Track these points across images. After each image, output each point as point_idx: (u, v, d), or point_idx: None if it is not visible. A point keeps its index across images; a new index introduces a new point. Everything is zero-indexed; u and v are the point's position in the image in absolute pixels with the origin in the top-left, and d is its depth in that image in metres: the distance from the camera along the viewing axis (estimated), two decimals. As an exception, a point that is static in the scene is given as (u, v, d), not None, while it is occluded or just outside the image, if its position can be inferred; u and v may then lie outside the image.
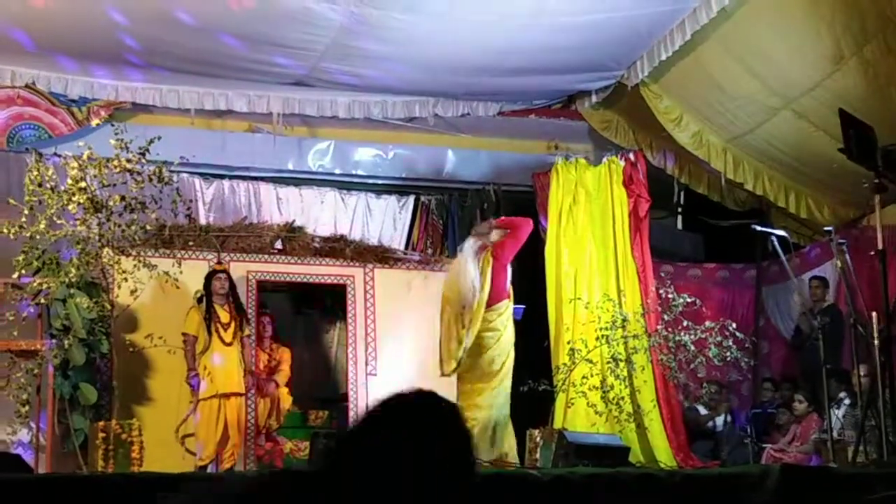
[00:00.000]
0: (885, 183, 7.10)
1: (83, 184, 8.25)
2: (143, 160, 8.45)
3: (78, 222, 8.40)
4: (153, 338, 9.18)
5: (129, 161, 8.36)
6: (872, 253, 7.35)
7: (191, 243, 10.15)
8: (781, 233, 8.90)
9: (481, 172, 12.29)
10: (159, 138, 8.55)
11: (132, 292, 8.57)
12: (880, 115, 8.30)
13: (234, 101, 11.22)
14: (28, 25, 9.63)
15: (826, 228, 8.95)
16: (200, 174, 11.38)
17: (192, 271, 9.60)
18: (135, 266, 8.59)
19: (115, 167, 8.37)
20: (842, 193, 10.94)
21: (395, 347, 10.60)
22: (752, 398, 11.64)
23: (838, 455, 8.38)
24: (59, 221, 8.39)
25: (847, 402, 9.63)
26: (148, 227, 9.19)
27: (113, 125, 8.99)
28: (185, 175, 10.88)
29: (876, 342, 7.07)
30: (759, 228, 9.20)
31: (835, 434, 8.87)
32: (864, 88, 9.20)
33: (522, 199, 11.92)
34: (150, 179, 8.52)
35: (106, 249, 8.61)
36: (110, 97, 10.81)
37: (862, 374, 8.72)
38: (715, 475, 6.36)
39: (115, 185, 8.62)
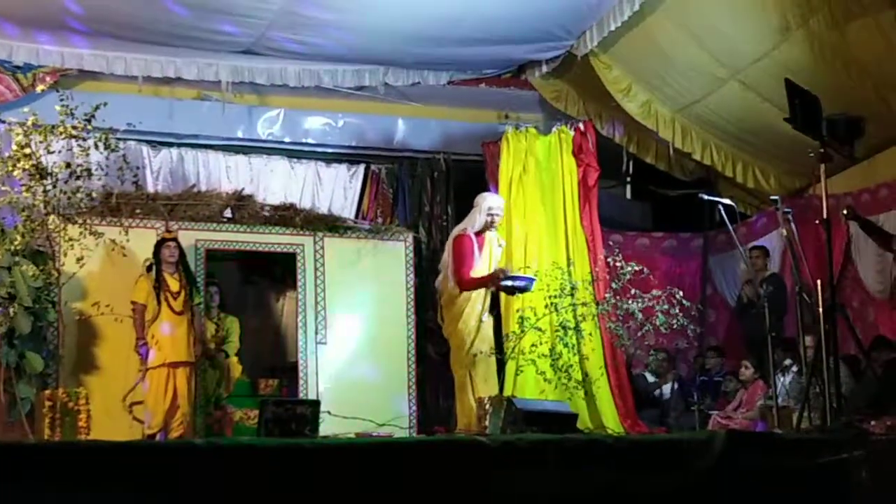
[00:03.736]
0: (829, 152, 7.15)
1: (28, 150, 8.16)
2: (89, 127, 8.36)
3: (23, 189, 8.32)
4: (100, 306, 9.11)
5: (74, 128, 8.27)
6: (818, 222, 7.40)
7: (138, 211, 10.08)
8: (728, 202, 8.94)
9: (431, 141, 12.28)
10: (105, 104, 8.46)
11: (78, 260, 8.51)
12: (825, 86, 8.38)
13: (182, 68, 11.08)
14: (-32, -10, 9.48)
15: (772, 198, 9.00)
16: (148, 142, 11.26)
17: (140, 239, 9.56)
18: (81, 234, 8.51)
19: (61, 133, 8.28)
20: (788, 163, 11.06)
21: (345, 316, 10.63)
22: (695, 365, 11.77)
23: (783, 421, 8.50)
24: (3, 188, 8.30)
25: (794, 369, 9.77)
26: (94, 195, 9.11)
27: (58, 91, 8.88)
28: (132, 143, 10.77)
29: (820, 310, 7.14)
30: (706, 198, 9.23)
31: (780, 401, 9.00)
32: (810, 59, 9.30)
33: (472, 169, 11.94)
34: (96, 146, 8.44)
35: (52, 217, 8.53)
36: (56, 64, 10.65)
37: (807, 344, 8.83)
38: (661, 441, 6.42)
39: (60, 151, 8.54)
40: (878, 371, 9.13)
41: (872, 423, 7.58)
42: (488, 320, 9.00)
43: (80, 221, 8.67)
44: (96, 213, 9.57)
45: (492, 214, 9.04)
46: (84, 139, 8.46)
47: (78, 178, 8.48)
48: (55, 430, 7.93)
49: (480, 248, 9.02)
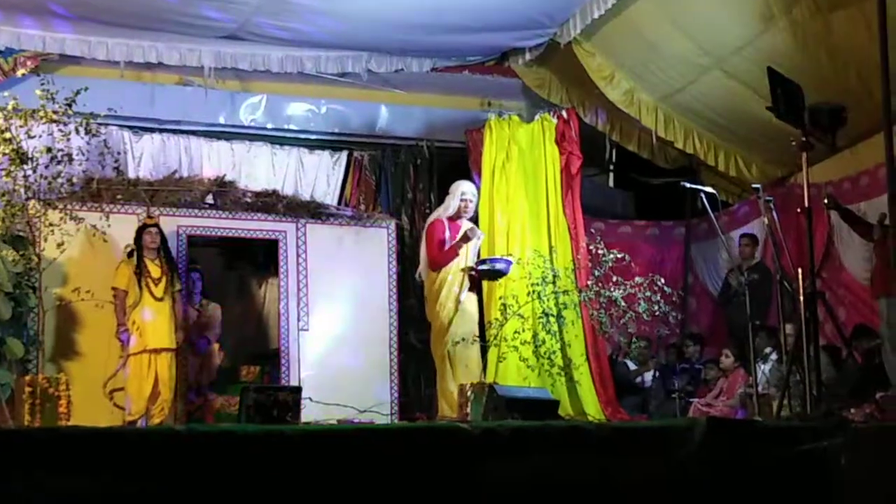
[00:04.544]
0: (811, 141, 7.17)
1: (8, 135, 8.12)
2: (70, 111, 8.33)
3: (3, 174, 8.28)
4: (81, 292, 9.07)
5: (55, 112, 8.24)
6: (799, 210, 7.44)
7: (119, 197, 10.03)
8: (710, 190, 8.97)
9: (414, 128, 12.27)
10: (86, 89, 8.45)
11: (59, 245, 8.48)
12: (808, 75, 8.40)
13: (164, 53, 11.00)
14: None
15: (754, 186, 9.03)
16: (130, 127, 11.19)
17: (121, 225, 9.52)
18: (62, 219, 8.48)
19: (41, 118, 8.24)
20: (770, 152, 11.08)
21: (327, 303, 10.61)
22: (672, 354, 11.80)
23: (763, 409, 8.53)
24: (-17, 173, 8.26)
25: (774, 357, 9.80)
26: (75, 180, 9.08)
27: (39, 76, 8.83)
28: (114, 128, 10.71)
29: (801, 298, 7.17)
30: (688, 186, 9.28)
31: (761, 388, 9.03)
32: (793, 48, 9.32)
33: (455, 156, 11.93)
34: (77, 131, 8.41)
35: (32, 202, 8.51)
36: (37, 48, 10.55)
37: (788, 332, 8.86)
38: (642, 428, 6.43)
39: (41, 136, 8.50)
40: (859, 359, 9.19)
41: (852, 410, 7.64)
42: (469, 302, 9.08)
43: (61, 206, 8.65)
44: (77, 198, 9.53)
45: (465, 199, 9.34)
46: (65, 124, 8.43)
47: (59, 163, 8.45)
48: (35, 416, 7.90)
49: (454, 233, 9.16)
